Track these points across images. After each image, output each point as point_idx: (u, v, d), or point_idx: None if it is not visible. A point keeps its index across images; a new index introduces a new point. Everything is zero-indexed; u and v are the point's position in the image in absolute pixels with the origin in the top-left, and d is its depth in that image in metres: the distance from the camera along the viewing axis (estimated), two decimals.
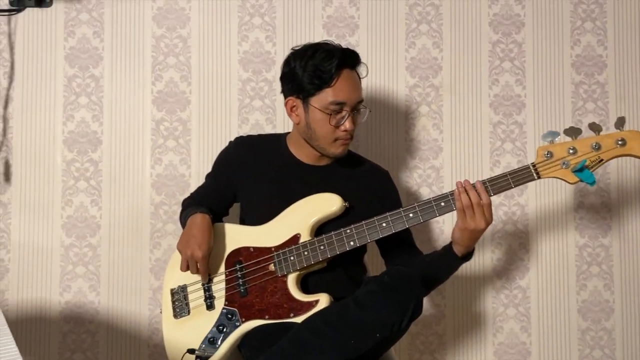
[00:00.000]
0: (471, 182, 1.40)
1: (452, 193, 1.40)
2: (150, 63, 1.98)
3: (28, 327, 1.94)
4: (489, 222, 1.38)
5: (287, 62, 1.52)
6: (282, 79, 1.54)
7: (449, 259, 1.45)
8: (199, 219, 1.50)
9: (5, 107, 1.97)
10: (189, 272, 1.49)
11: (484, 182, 1.39)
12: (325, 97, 1.45)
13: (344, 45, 1.53)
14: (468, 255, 1.46)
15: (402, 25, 2.00)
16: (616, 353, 1.99)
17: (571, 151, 1.36)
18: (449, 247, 1.45)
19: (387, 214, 1.42)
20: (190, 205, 1.61)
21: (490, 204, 1.38)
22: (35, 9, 1.98)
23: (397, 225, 1.42)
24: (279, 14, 1.99)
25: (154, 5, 1.98)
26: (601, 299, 2.00)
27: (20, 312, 1.94)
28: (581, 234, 2.00)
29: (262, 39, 1.99)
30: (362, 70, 1.52)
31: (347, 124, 1.47)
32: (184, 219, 1.58)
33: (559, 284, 2.00)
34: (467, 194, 1.37)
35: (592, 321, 1.99)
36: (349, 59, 1.48)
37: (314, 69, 1.45)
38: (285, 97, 1.54)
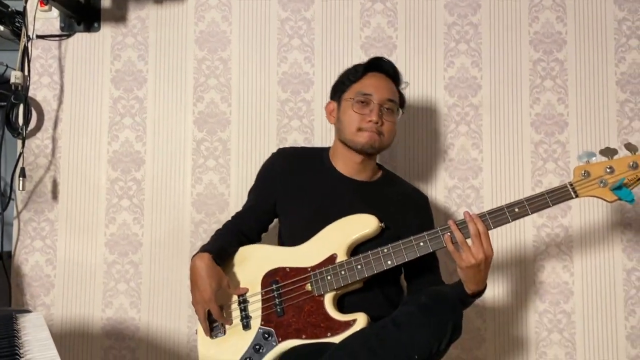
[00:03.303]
0: (515, 199, 1.41)
1: (490, 212, 1.39)
2: (192, 85, 2.04)
3: (71, 342, 1.99)
4: (487, 253, 1.35)
5: None
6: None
7: (462, 297, 1.41)
8: (197, 266, 1.46)
9: (55, 128, 2.06)
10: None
11: (481, 215, 1.39)
12: (354, 90, 1.56)
13: None
14: (479, 293, 1.42)
15: (441, 44, 2.00)
16: None
17: (608, 170, 1.37)
18: (459, 284, 1.41)
19: (425, 233, 1.41)
20: (215, 239, 1.58)
21: (486, 233, 1.36)
22: (84, 34, 2.07)
23: (435, 245, 1.40)
24: (317, 36, 2.02)
25: (196, 29, 2.04)
26: None
27: (64, 327, 1.99)
28: (629, 257, 1.93)
29: (301, 60, 2.02)
30: (397, 81, 1.60)
31: (372, 115, 1.52)
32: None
33: (605, 309, 1.92)
34: (459, 230, 1.37)
35: None
36: (376, 63, 1.58)
37: (348, 72, 1.61)
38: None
